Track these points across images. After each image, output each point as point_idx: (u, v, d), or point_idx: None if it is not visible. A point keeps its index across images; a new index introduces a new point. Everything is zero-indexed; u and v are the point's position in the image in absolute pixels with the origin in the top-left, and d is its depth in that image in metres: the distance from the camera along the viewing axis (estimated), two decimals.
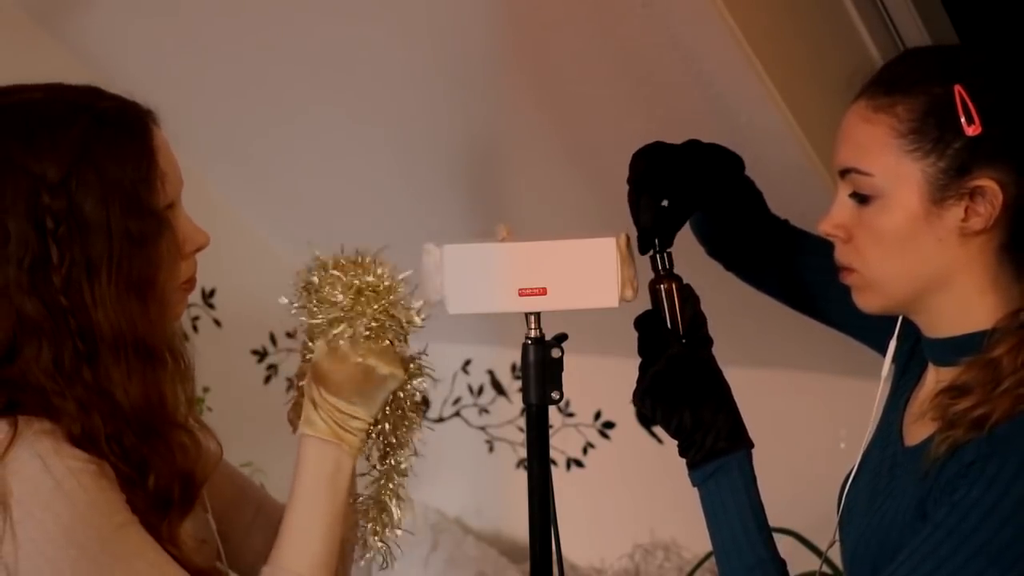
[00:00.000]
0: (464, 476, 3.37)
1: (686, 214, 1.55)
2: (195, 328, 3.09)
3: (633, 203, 1.50)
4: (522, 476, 1.71)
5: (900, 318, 1.48)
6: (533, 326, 1.50)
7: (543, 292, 1.47)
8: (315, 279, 1.40)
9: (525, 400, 1.52)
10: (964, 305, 1.37)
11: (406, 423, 1.47)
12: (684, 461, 1.43)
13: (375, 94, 2.51)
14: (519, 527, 3.26)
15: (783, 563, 1.41)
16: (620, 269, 1.46)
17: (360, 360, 1.38)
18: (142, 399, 1.34)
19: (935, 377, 1.42)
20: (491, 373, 3.34)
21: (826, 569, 1.68)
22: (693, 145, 1.56)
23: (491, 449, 3.35)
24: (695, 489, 1.43)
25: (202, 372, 1.45)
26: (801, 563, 2.00)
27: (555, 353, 1.50)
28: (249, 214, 3.16)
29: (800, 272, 1.65)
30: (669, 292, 1.46)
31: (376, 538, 1.48)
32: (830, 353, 2.19)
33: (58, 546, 1.26)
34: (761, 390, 2.38)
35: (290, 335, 3.22)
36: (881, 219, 1.36)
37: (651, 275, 1.48)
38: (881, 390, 1.52)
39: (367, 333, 1.38)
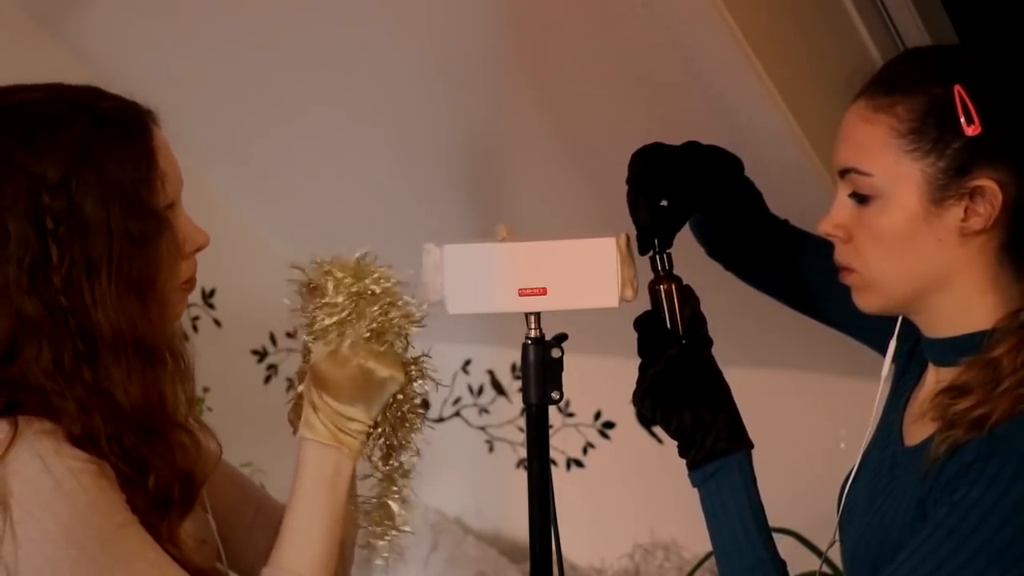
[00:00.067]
0: (464, 476, 3.37)
1: (685, 215, 1.55)
2: (195, 328, 3.09)
3: (632, 203, 1.50)
4: (522, 476, 1.71)
5: (900, 318, 1.48)
6: (533, 326, 1.50)
7: (543, 292, 1.47)
8: (314, 280, 1.40)
9: (525, 400, 1.52)
10: (964, 305, 1.37)
11: (407, 425, 1.47)
12: (684, 462, 1.43)
13: (375, 94, 2.51)
14: (519, 527, 3.26)
15: (783, 564, 1.41)
16: (620, 269, 1.46)
17: (359, 363, 1.38)
18: (142, 399, 1.34)
19: (935, 377, 1.42)
20: (491, 373, 3.34)
21: (826, 569, 1.68)
22: (692, 147, 1.55)
23: (491, 449, 3.35)
24: (695, 489, 1.43)
25: (202, 372, 1.45)
26: (801, 563, 2.00)
27: (555, 353, 1.50)
28: (249, 214, 3.16)
29: (800, 272, 1.65)
30: (669, 293, 1.46)
31: (381, 539, 1.48)
32: (830, 353, 2.19)
33: (58, 546, 1.26)
34: (761, 390, 2.39)
35: (290, 335, 3.22)
36: (881, 219, 1.36)
37: (651, 276, 1.48)
38: (881, 390, 1.52)
39: (367, 335, 1.38)
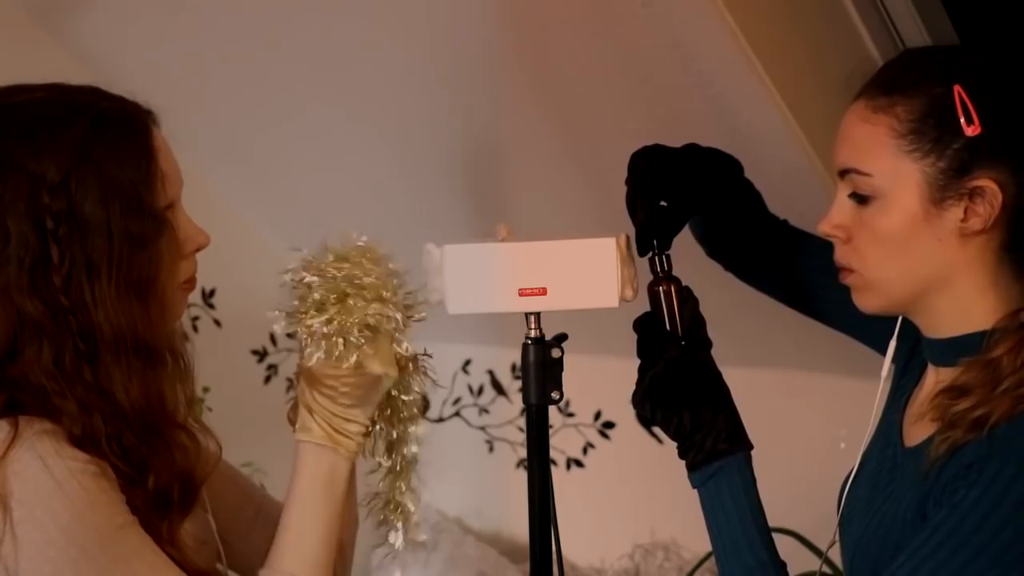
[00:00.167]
0: (464, 476, 3.36)
1: (685, 217, 1.55)
2: (195, 328, 3.08)
3: (631, 204, 1.50)
4: (522, 476, 1.71)
5: (900, 318, 1.48)
6: (533, 326, 1.50)
7: (543, 292, 1.47)
8: (303, 279, 1.39)
9: (525, 400, 1.52)
10: (964, 305, 1.37)
11: (405, 419, 1.47)
12: (684, 462, 1.43)
13: (375, 94, 2.51)
14: (519, 527, 3.26)
15: (783, 565, 1.41)
16: (620, 269, 1.46)
17: (352, 363, 1.37)
18: (142, 399, 1.34)
19: (935, 377, 1.42)
20: (491, 373, 3.34)
21: (826, 569, 1.68)
22: (692, 149, 1.55)
23: (491, 449, 3.35)
24: (695, 490, 1.43)
25: (202, 372, 1.45)
26: (801, 563, 2.00)
27: (555, 353, 1.50)
28: (249, 214, 3.16)
29: (800, 273, 1.65)
30: (668, 294, 1.46)
31: (394, 532, 1.48)
32: (830, 353, 2.19)
33: (58, 547, 1.26)
34: (761, 390, 2.38)
35: (290, 335, 3.21)
36: (880, 219, 1.36)
37: (650, 277, 1.48)
38: (881, 390, 1.52)
39: (358, 334, 1.36)
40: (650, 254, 1.49)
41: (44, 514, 1.26)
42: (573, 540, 1.87)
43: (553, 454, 2.72)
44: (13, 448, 1.27)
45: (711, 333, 1.46)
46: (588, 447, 3.19)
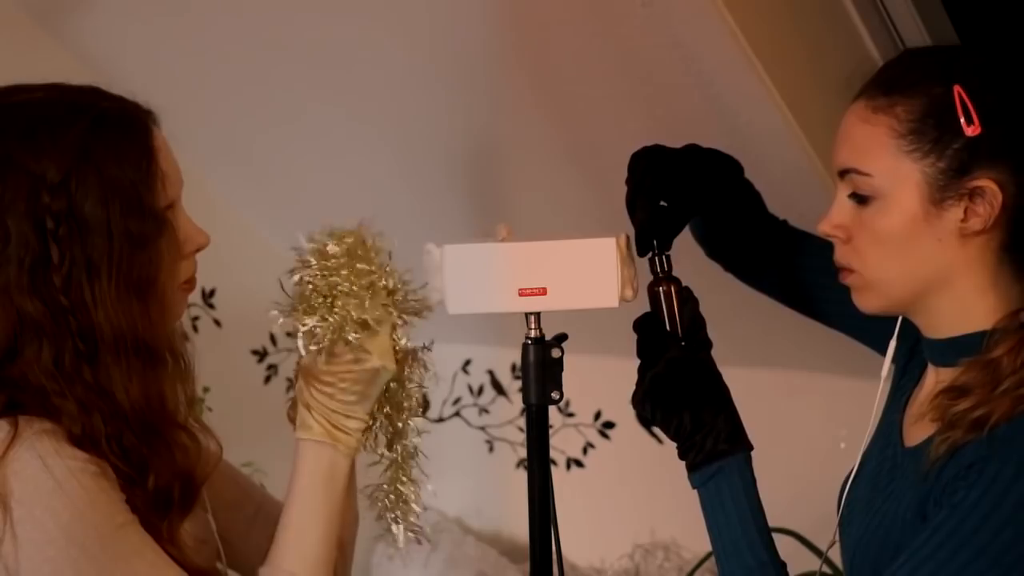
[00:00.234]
0: (464, 476, 3.36)
1: (684, 218, 1.55)
2: (195, 328, 3.08)
3: (631, 204, 1.50)
4: (522, 476, 1.71)
5: (900, 318, 1.48)
6: (533, 326, 1.50)
7: (543, 292, 1.47)
8: (301, 278, 1.38)
9: (525, 400, 1.52)
10: (964, 305, 1.37)
11: (404, 413, 1.47)
12: (684, 463, 1.43)
13: (375, 94, 2.51)
14: (519, 527, 3.26)
15: (783, 565, 1.41)
16: (620, 269, 1.46)
17: (349, 358, 1.37)
18: (142, 399, 1.34)
19: (935, 378, 1.42)
20: (491, 373, 3.34)
21: (826, 569, 1.68)
22: (692, 149, 1.55)
23: (491, 449, 3.35)
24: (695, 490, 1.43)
25: (202, 372, 1.45)
26: (801, 563, 2.00)
27: (555, 353, 1.50)
28: (249, 214, 3.16)
29: (800, 273, 1.64)
30: (668, 294, 1.46)
31: (398, 524, 1.48)
32: (830, 353, 2.19)
33: (58, 546, 1.27)
34: (761, 391, 2.38)
35: (290, 335, 3.21)
36: (880, 220, 1.36)
37: (650, 278, 1.48)
38: (881, 390, 1.52)
39: (353, 330, 1.36)
40: (650, 254, 1.49)
41: (44, 513, 1.26)
42: (573, 540, 1.87)
43: (553, 454, 2.72)
44: (13, 448, 1.27)
45: (711, 333, 1.46)
46: (588, 447, 3.18)
